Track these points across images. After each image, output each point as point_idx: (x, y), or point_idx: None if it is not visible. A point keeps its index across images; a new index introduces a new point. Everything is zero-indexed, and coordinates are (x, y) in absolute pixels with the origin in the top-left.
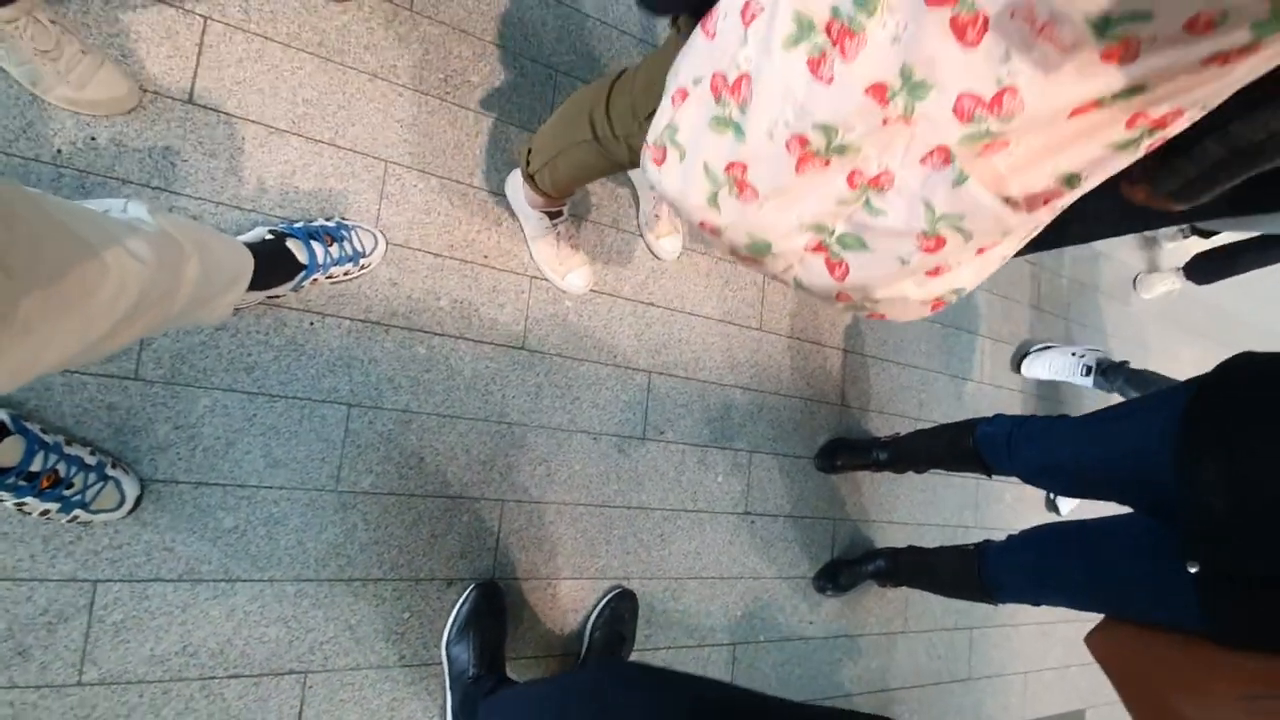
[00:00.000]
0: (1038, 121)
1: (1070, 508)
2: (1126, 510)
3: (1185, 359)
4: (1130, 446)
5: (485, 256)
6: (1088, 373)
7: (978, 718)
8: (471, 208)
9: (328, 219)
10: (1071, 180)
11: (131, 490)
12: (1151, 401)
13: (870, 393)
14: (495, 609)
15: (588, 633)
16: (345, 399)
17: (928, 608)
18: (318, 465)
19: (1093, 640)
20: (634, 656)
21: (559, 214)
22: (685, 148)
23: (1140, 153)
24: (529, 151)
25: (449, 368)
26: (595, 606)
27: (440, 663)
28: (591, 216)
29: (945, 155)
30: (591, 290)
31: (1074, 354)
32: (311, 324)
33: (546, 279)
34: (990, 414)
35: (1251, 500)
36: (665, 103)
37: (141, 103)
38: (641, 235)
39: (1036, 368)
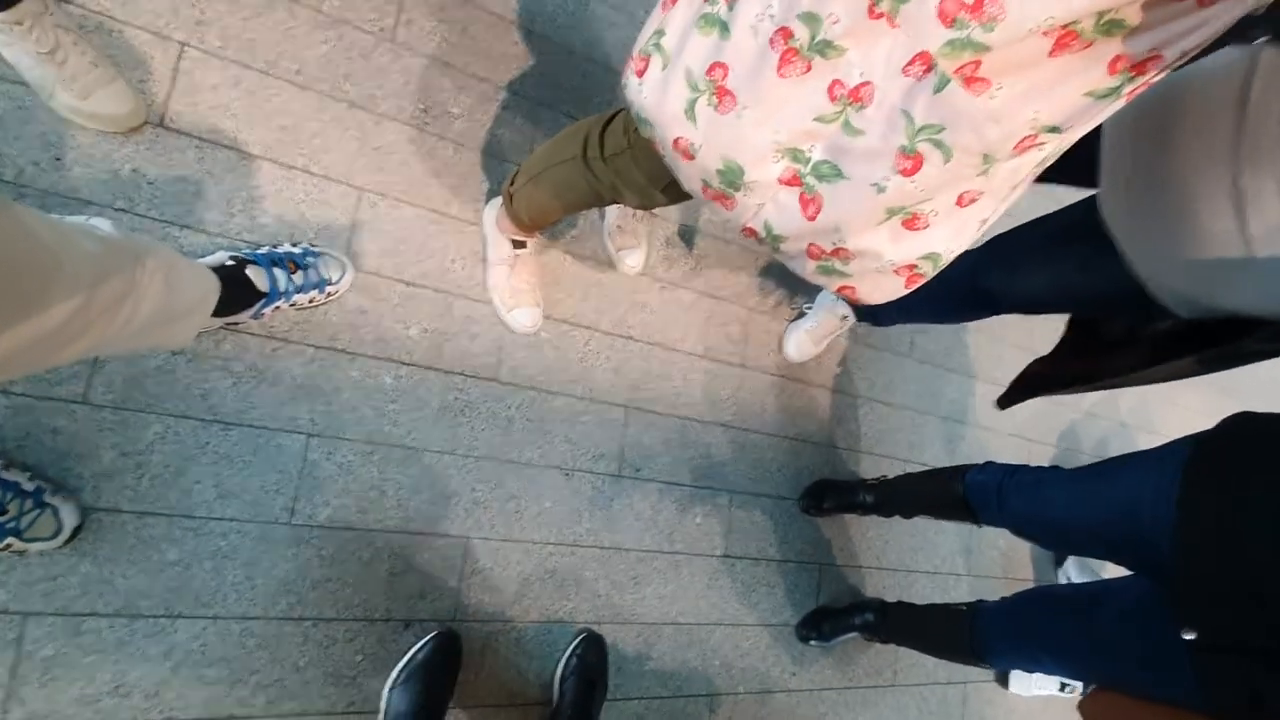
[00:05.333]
0: (1018, 51)
1: (1075, 571)
2: (1126, 574)
3: (1184, 403)
4: (1124, 506)
5: (459, 286)
6: None
7: None
8: (446, 238)
9: (294, 245)
10: (1053, 130)
11: (70, 519)
12: (1146, 460)
13: (858, 433)
14: (450, 662)
15: (556, 684)
16: (304, 428)
17: (918, 660)
18: (271, 497)
19: (1085, 710)
20: (612, 703)
21: (523, 245)
22: (669, 53)
23: (1121, 100)
24: (517, 171)
25: (416, 398)
26: (563, 655)
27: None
28: (572, 249)
29: (927, 64)
30: (568, 323)
31: None
32: (274, 350)
33: (494, 309)
34: (980, 459)
35: (1250, 570)
36: (655, 11)
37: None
38: (605, 247)
39: None
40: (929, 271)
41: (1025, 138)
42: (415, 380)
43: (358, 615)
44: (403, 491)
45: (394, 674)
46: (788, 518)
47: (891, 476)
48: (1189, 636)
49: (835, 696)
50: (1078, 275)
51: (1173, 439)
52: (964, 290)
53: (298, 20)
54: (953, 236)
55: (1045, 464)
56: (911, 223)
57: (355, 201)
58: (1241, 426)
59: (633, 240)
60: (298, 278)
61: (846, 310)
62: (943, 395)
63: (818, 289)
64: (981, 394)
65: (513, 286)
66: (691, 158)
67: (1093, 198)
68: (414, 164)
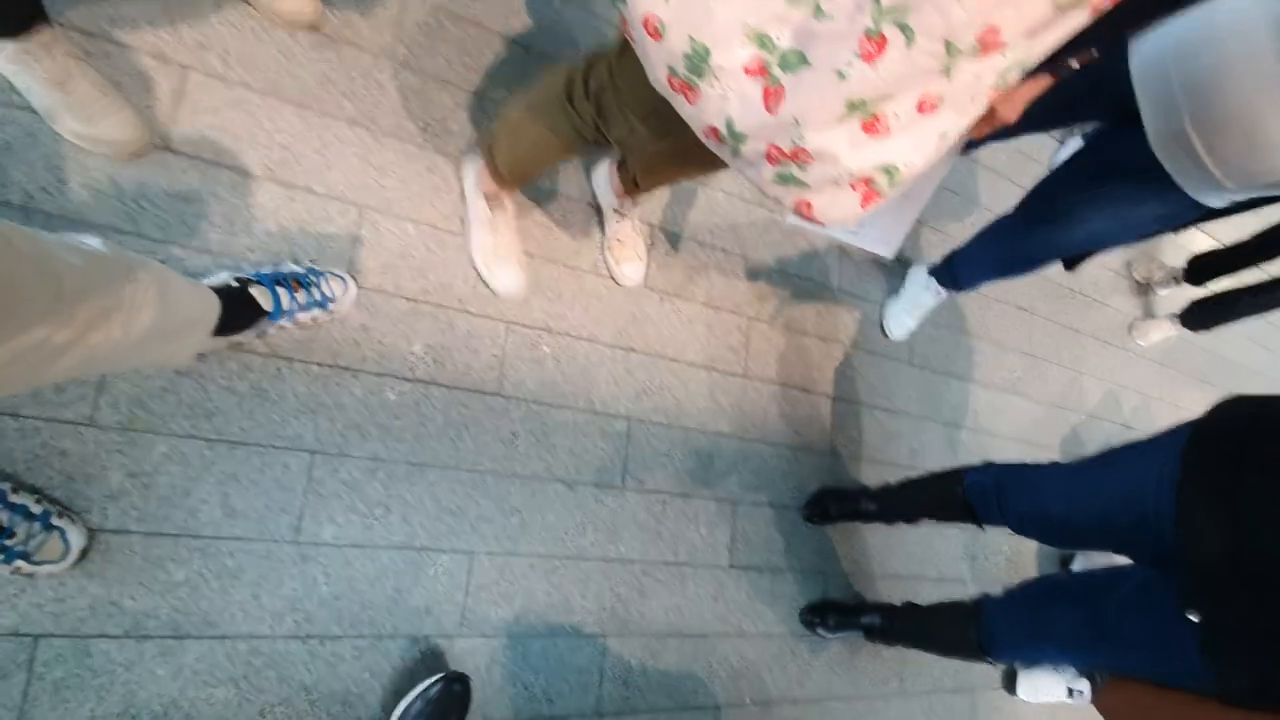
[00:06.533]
0: None
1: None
2: (1128, 562)
3: (1188, 406)
4: (1125, 495)
5: (461, 301)
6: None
7: None
8: (448, 253)
9: (297, 264)
10: (1017, 37)
11: (77, 541)
12: (1145, 450)
13: (860, 440)
14: (459, 707)
15: None
16: (309, 446)
17: (925, 667)
18: (277, 515)
19: (1101, 702)
20: (620, 717)
21: (501, 204)
22: None
23: (1086, 11)
24: (495, 123)
25: (420, 414)
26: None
27: None
28: (572, 262)
29: None
30: (570, 335)
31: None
32: (278, 369)
33: (477, 272)
34: (982, 462)
35: (1254, 552)
36: None
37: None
38: (604, 260)
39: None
40: (885, 188)
41: (988, 29)
42: (418, 396)
43: (364, 632)
44: (407, 507)
45: (400, 710)
46: (792, 527)
47: (893, 483)
48: (1194, 619)
49: (842, 706)
50: (1132, 208)
51: (1169, 427)
52: (1025, 247)
53: (298, 41)
54: (912, 149)
55: None
56: (871, 126)
57: (357, 219)
58: (1235, 408)
59: (631, 252)
60: (301, 296)
61: (938, 287)
62: (943, 400)
63: (881, 280)
64: (983, 399)
65: (495, 247)
66: (660, 37)
67: (1118, 143)
68: (414, 181)
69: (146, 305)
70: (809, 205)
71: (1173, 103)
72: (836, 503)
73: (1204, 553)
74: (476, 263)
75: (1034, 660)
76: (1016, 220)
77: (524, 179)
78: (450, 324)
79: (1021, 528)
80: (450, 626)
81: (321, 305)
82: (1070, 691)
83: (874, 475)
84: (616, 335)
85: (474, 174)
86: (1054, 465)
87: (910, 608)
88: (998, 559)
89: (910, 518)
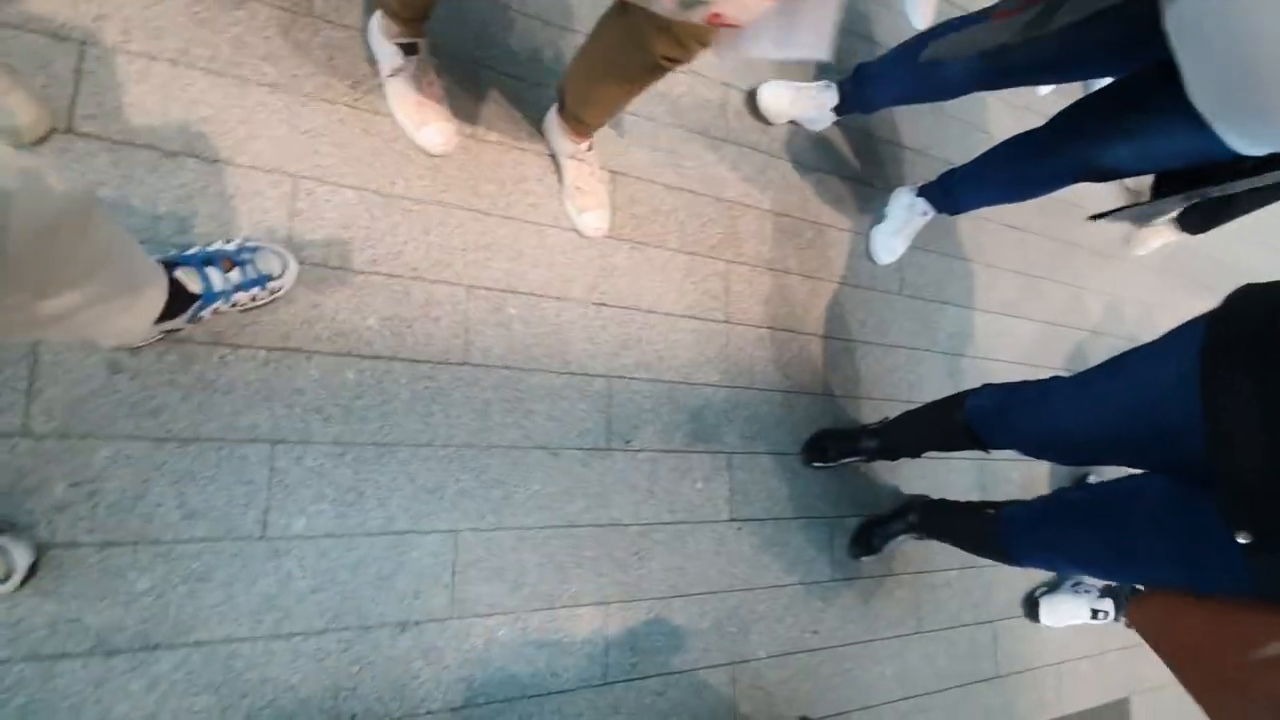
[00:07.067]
0: None
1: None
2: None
3: (1192, 312)
4: (1139, 403)
5: (414, 269)
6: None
7: (1010, 718)
8: (394, 218)
9: (227, 242)
10: None
11: (22, 559)
12: (1156, 351)
13: (855, 379)
14: None
15: None
16: (267, 436)
17: (941, 604)
18: (241, 511)
19: (1137, 614)
20: (616, 688)
21: (414, 48)
22: None
23: None
24: None
25: (384, 392)
26: None
27: None
28: (528, 216)
29: None
30: (536, 295)
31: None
32: (223, 357)
33: (402, 130)
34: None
35: None
36: None
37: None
38: (566, 212)
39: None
40: None
41: None
42: (380, 373)
43: (349, 624)
44: (381, 490)
45: None
46: (792, 474)
47: (892, 417)
48: (1243, 540)
49: (860, 650)
50: (1164, 142)
51: (1179, 325)
52: (1042, 170)
53: (203, 4)
54: None
55: None
56: None
57: (291, 190)
58: (1250, 299)
59: (593, 200)
60: (234, 275)
61: (926, 206)
62: (939, 329)
63: (862, 208)
64: (981, 324)
65: (418, 101)
66: None
67: (1161, 78)
68: (350, 144)
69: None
70: (719, 16)
71: (1211, 58)
72: (835, 444)
73: (1239, 460)
74: (399, 119)
75: (1061, 573)
76: (1041, 138)
77: (424, 11)
78: (406, 293)
79: (1029, 448)
80: (440, 609)
81: (259, 283)
82: (1094, 613)
83: (872, 413)
84: (587, 291)
85: (376, 24)
86: (1056, 379)
87: (938, 507)
88: (1009, 487)
89: (913, 451)
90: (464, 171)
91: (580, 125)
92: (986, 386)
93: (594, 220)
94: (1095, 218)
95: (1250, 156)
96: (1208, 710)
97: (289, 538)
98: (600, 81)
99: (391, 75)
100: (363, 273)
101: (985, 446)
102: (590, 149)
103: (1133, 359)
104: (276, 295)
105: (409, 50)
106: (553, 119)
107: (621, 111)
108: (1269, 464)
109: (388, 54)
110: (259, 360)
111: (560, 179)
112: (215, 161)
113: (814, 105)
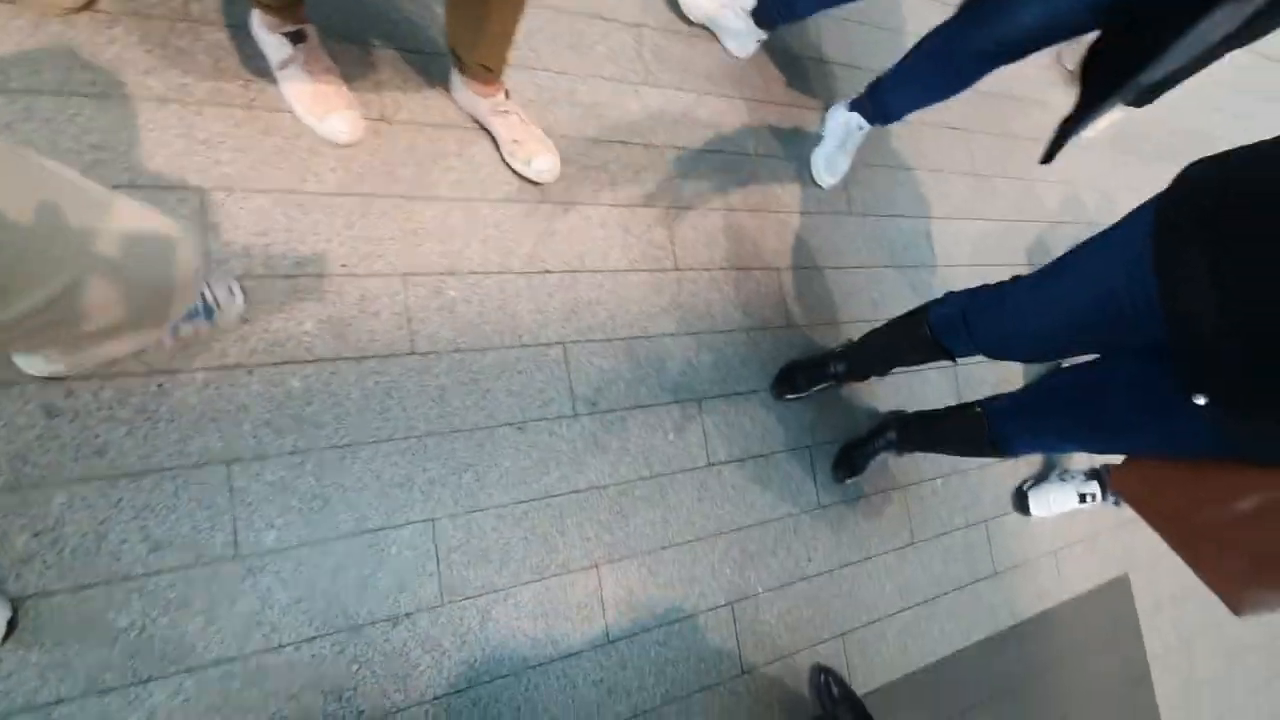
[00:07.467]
0: None
1: None
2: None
3: (1151, 188)
4: (1099, 291)
5: (344, 265)
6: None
7: (1015, 613)
8: (314, 216)
9: None
10: None
11: (0, 615)
12: (1109, 239)
13: (816, 306)
14: None
15: None
16: (221, 457)
17: (932, 513)
18: (208, 535)
19: (1120, 480)
20: (619, 645)
21: (300, 35)
22: None
23: None
24: None
25: (333, 395)
26: None
27: None
28: (452, 193)
29: None
30: (476, 273)
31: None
32: (160, 385)
33: (305, 124)
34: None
35: (1243, 316)
36: None
37: None
38: (511, 169)
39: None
40: None
41: None
42: (326, 376)
43: (340, 626)
44: (347, 493)
45: None
46: (765, 409)
47: (857, 338)
48: (1200, 402)
49: (856, 570)
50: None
51: (1130, 212)
52: (962, 54)
53: (76, 28)
54: None
55: None
56: None
57: (199, 205)
58: (1200, 173)
59: (535, 144)
60: None
61: (860, 120)
62: (895, 243)
63: (799, 134)
64: (937, 232)
65: (315, 91)
66: None
67: None
68: (252, 147)
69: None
70: None
71: None
72: (804, 373)
73: (1194, 331)
74: (299, 113)
75: (1050, 453)
76: (952, 27)
77: None
78: (339, 292)
79: (996, 352)
80: (430, 598)
81: (206, 315)
82: (1082, 497)
83: (839, 338)
84: (527, 260)
85: (256, 18)
86: (1016, 280)
87: (920, 419)
88: (984, 389)
89: (882, 370)
90: (377, 158)
91: (486, 73)
92: (950, 294)
93: (546, 163)
94: (1046, 160)
95: (1165, 28)
96: (1188, 561)
97: (262, 554)
98: (479, 13)
99: (282, 68)
100: (290, 277)
101: (952, 355)
102: (508, 96)
103: (1086, 251)
104: (218, 327)
105: (296, 39)
106: (458, 82)
107: (516, 34)
108: (1221, 328)
109: (274, 46)
110: (198, 383)
111: (496, 143)
112: (114, 189)
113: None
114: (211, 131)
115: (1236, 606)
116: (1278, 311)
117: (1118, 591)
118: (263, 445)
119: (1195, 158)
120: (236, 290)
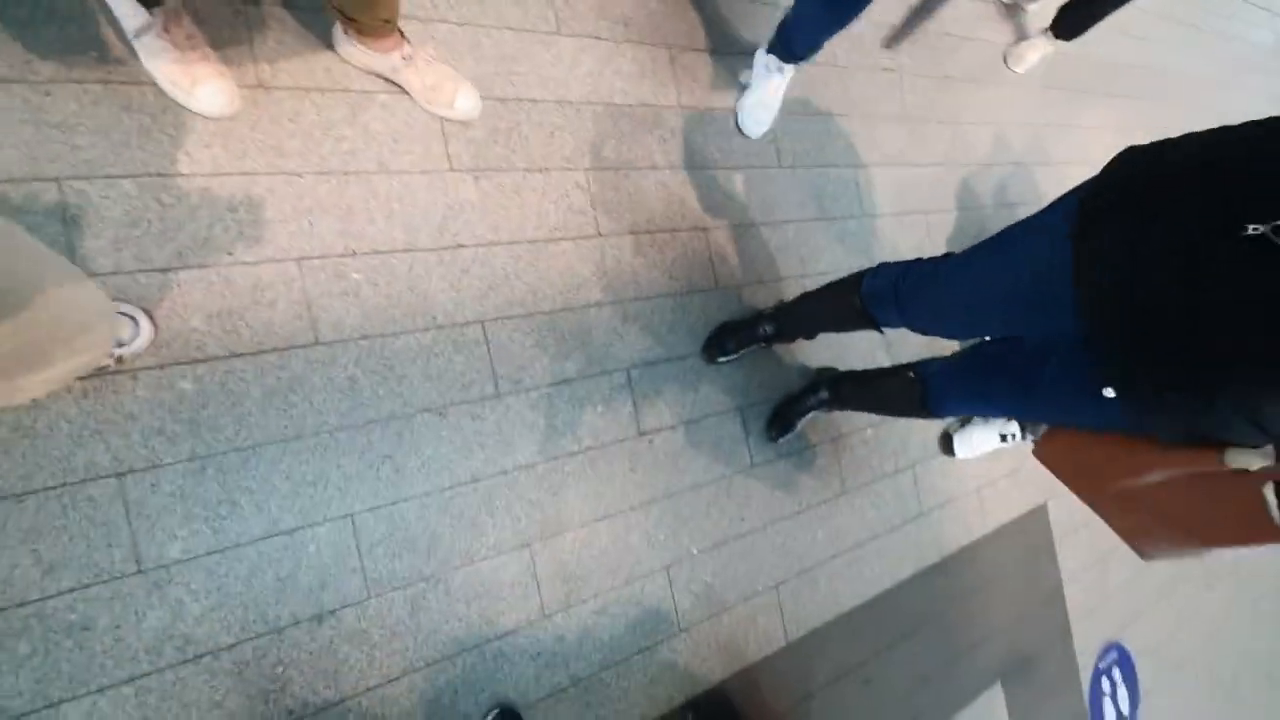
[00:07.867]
0: None
1: None
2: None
3: (1087, 123)
4: (1024, 274)
5: (229, 253)
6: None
7: (941, 548)
8: (190, 201)
9: None
10: None
11: None
12: (1037, 222)
13: (744, 265)
14: None
15: None
16: (109, 469)
17: (863, 462)
18: (105, 552)
19: (1040, 453)
20: (555, 618)
21: (176, 16)
22: None
23: None
24: None
25: (230, 394)
26: None
27: None
28: (349, 167)
29: None
30: (380, 252)
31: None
32: (33, 401)
33: (171, 97)
34: (876, 250)
35: (1155, 310)
36: None
37: None
38: (427, 110)
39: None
40: None
41: None
42: (221, 375)
43: (259, 630)
44: (255, 495)
45: None
46: (695, 374)
47: (788, 300)
48: (1109, 395)
49: (789, 523)
50: None
51: (1061, 195)
52: None
53: None
54: None
55: (948, 231)
56: None
57: (57, 198)
58: (1126, 163)
59: (451, 84)
60: None
61: (777, 62)
62: (824, 195)
63: (723, 84)
64: (867, 180)
65: (179, 59)
66: None
67: None
68: (111, 127)
69: None
70: None
71: None
72: (734, 336)
73: (1102, 324)
74: (163, 85)
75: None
76: None
77: None
78: (227, 282)
79: (926, 325)
80: (354, 593)
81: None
82: (1003, 437)
83: (768, 297)
84: (436, 235)
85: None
86: (948, 257)
87: (853, 378)
88: (914, 348)
89: (809, 333)
90: (259, 130)
91: (382, 26)
92: (883, 265)
93: (467, 101)
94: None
95: None
96: (1101, 515)
97: (168, 565)
98: None
99: (138, 36)
100: (170, 270)
101: (878, 326)
102: (410, 44)
103: (1014, 234)
104: (120, 364)
105: (149, 1)
106: (344, 40)
107: None
108: (1127, 324)
109: (126, 10)
110: (75, 393)
111: (409, 93)
112: None
113: None
114: (64, 112)
115: (1143, 554)
116: (1168, 300)
117: (1036, 519)
118: (156, 454)
119: (1116, 89)
120: (140, 320)
